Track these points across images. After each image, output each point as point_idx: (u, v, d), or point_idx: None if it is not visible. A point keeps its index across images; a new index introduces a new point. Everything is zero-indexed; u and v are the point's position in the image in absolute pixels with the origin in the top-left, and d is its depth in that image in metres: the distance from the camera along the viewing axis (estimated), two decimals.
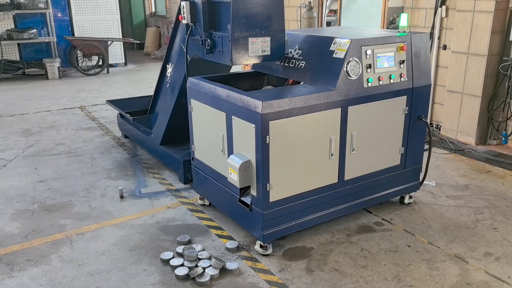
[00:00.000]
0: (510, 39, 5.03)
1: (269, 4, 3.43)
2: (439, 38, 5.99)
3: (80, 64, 10.61)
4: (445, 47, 5.94)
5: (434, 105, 6.22)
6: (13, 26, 10.27)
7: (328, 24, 8.85)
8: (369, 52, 3.42)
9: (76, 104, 8.01)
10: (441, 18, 5.90)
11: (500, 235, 3.64)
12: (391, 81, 3.59)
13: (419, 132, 3.93)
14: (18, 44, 10.34)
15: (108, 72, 10.85)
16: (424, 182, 4.27)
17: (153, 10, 15.28)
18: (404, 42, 3.62)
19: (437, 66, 6.09)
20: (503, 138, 5.47)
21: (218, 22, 3.56)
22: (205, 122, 3.78)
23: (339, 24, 8.09)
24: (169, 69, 4.85)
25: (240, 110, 3.23)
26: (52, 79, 10.14)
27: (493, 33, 5.24)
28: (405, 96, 3.71)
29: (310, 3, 7.78)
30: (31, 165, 5.19)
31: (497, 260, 3.30)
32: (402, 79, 3.65)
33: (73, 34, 10.94)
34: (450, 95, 5.81)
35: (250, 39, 3.41)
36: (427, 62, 3.82)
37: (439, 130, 6.09)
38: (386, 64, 3.55)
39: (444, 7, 5.83)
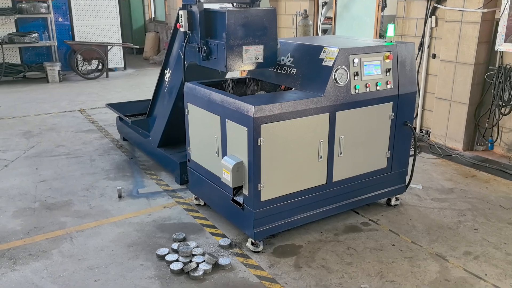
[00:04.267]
0: (496, 49, 5.23)
1: (262, 14, 3.62)
2: (429, 47, 6.20)
3: (80, 68, 10.79)
4: (434, 56, 6.14)
5: (424, 111, 6.42)
6: (14, 30, 10.46)
7: (324, 31, 9.06)
8: (356, 60, 3.61)
9: (76, 107, 8.19)
10: (431, 28, 6.11)
11: (480, 235, 3.82)
12: (378, 88, 3.78)
13: (405, 137, 4.12)
14: (19, 47, 10.53)
15: (107, 76, 11.04)
16: (411, 185, 4.46)
17: (153, 15, 15.50)
18: (390, 51, 3.82)
19: (427, 74, 6.30)
20: (489, 144, 5.66)
21: (214, 31, 3.75)
22: (201, 125, 3.96)
23: (334, 32, 8.29)
24: (167, 74, 5.03)
25: (234, 114, 3.42)
26: (52, 82, 10.33)
27: (479, 43, 5.44)
28: (391, 103, 3.90)
29: (305, 11, 7.99)
30: (32, 166, 5.36)
31: (476, 259, 3.48)
32: (388, 86, 3.84)
33: (73, 39, 11.15)
34: (439, 102, 6.01)
35: (244, 47, 3.60)
36: (412, 71, 4.01)
37: (429, 136, 6.28)
38: (373, 72, 3.74)
39: (433, 17, 6.04)
